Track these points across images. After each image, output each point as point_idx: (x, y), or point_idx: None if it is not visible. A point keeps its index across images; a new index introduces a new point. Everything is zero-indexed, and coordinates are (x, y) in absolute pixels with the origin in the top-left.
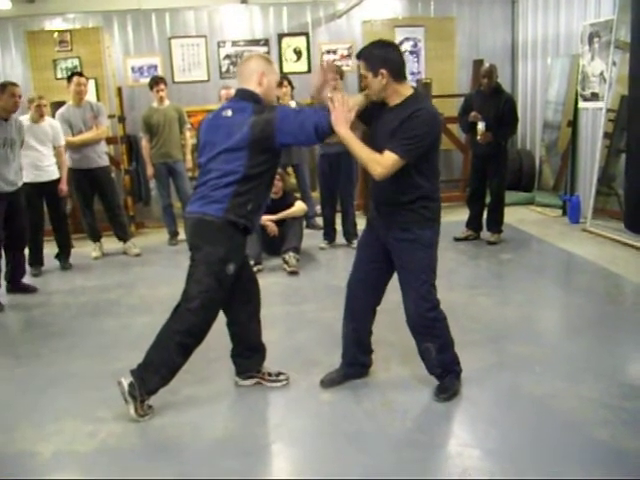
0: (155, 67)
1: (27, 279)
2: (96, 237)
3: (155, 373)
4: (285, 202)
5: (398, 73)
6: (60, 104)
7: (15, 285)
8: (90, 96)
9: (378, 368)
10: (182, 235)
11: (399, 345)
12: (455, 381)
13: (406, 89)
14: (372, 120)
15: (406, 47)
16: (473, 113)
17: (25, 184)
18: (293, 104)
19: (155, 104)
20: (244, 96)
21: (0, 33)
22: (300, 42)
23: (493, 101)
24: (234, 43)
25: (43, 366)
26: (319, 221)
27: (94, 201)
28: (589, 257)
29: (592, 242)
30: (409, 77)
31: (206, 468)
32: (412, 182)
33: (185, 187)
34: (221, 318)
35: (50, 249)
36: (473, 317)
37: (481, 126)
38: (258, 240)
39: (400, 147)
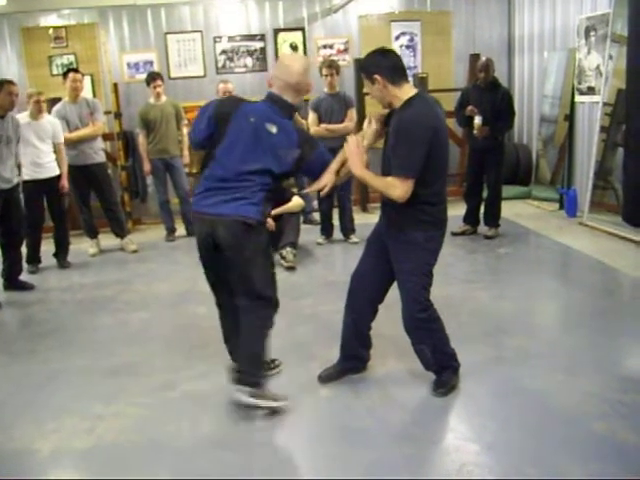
0: (151, 63)
1: (24, 276)
2: (93, 234)
3: (259, 368)
4: (282, 197)
5: (393, 77)
6: (56, 100)
7: (12, 282)
8: (86, 92)
9: (376, 363)
10: (180, 231)
11: (397, 340)
12: (453, 376)
13: (405, 92)
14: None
15: (402, 41)
16: (470, 107)
17: (25, 182)
18: None
19: (152, 100)
20: (286, 112)
21: None
22: (296, 37)
23: (490, 95)
24: (230, 38)
25: (40, 363)
26: (316, 216)
27: (91, 197)
28: (586, 251)
29: (589, 236)
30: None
31: (204, 463)
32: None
33: (182, 183)
34: (215, 314)
35: (47, 246)
36: (471, 311)
37: (478, 120)
38: None
39: (400, 168)
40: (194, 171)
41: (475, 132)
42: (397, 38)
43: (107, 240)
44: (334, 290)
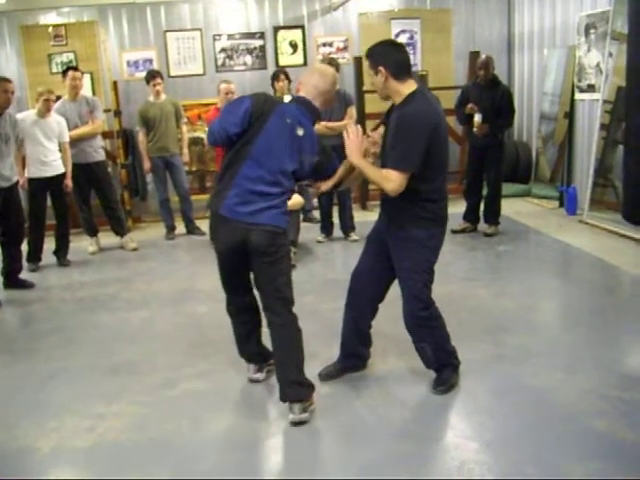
0: (150, 61)
1: (24, 274)
2: (93, 232)
3: (302, 371)
4: None
5: (398, 71)
6: (56, 99)
7: (12, 281)
8: (85, 90)
9: (376, 361)
10: (180, 229)
11: (397, 338)
12: (453, 374)
13: (407, 88)
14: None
15: (402, 39)
16: (470, 105)
17: (31, 179)
18: (288, 98)
19: (152, 98)
20: (313, 116)
21: None
22: (296, 35)
23: (490, 93)
24: (230, 36)
25: (41, 362)
26: (316, 214)
27: (91, 196)
28: (586, 248)
29: (589, 233)
30: None
31: (205, 462)
32: (409, 185)
33: (182, 181)
34: (219, 314)
35: (47, 244)
36: (470, 309)
37: (478, 118)
38: None
39: (397, 162)
40: (194, 169)
41: (475, 130)
42: (397, 36)
43: (107, 238)
44: (334, 288)
